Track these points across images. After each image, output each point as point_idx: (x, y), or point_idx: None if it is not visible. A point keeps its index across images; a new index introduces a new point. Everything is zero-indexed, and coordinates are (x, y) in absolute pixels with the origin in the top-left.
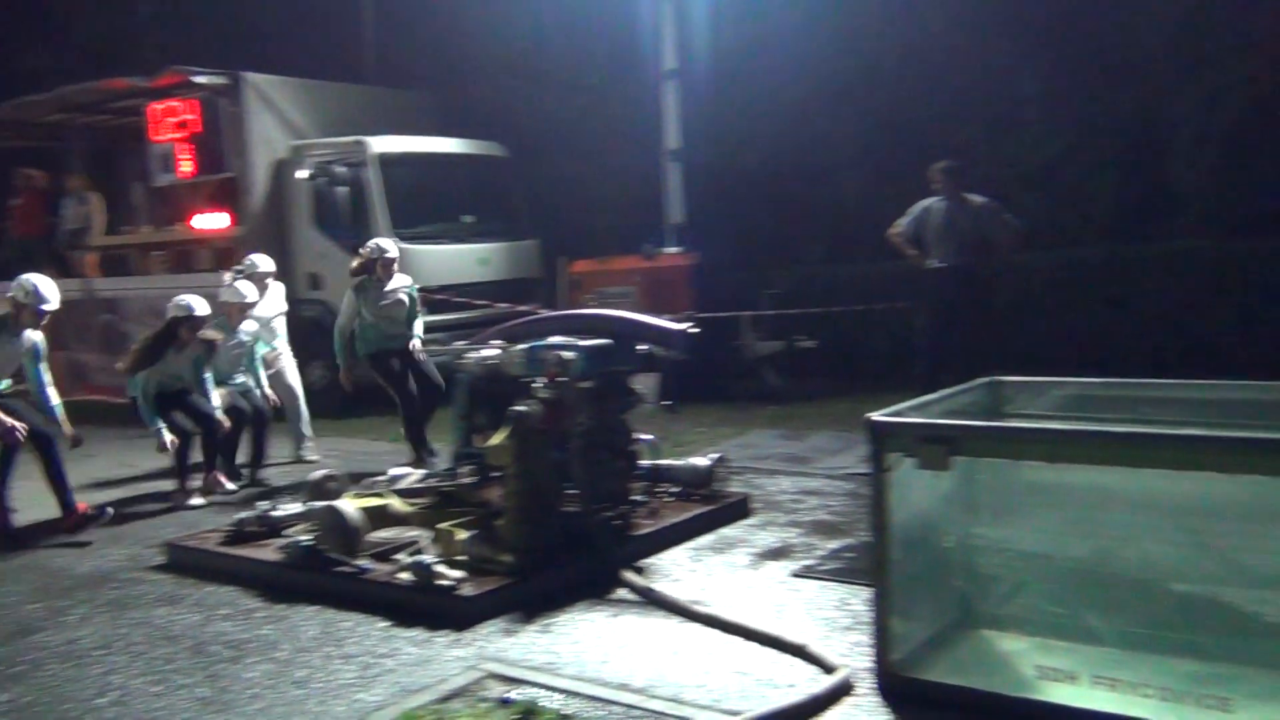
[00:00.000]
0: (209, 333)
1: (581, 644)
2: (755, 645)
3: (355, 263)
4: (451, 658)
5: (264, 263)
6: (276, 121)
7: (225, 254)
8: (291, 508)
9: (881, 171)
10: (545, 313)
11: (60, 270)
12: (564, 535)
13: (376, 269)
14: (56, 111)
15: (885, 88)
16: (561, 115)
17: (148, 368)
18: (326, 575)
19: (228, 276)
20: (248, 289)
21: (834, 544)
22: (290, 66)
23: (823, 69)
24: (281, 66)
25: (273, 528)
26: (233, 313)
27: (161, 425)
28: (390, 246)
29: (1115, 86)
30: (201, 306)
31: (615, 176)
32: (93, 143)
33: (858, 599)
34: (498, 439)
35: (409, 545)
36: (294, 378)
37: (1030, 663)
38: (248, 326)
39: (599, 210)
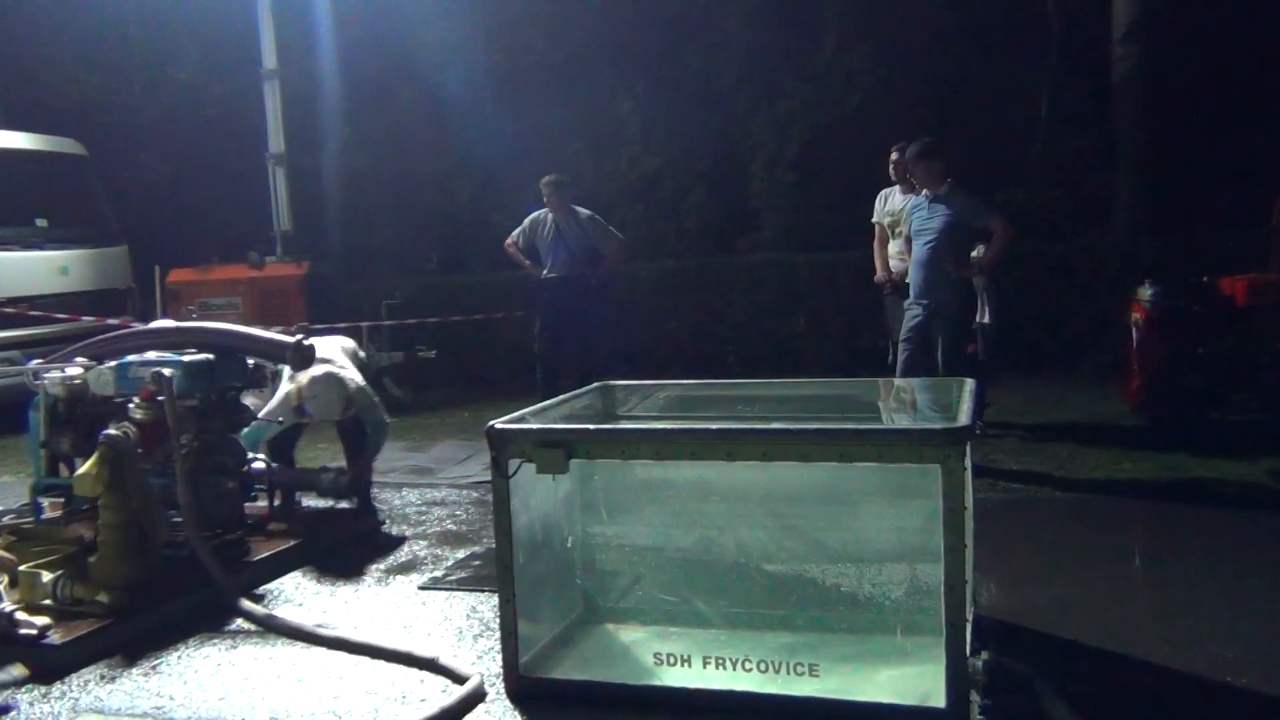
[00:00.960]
0: None
1: (194, 683)
2: (385, 663)
3: None
4: (38, 716)
5: None
6: None
7: None
8: None
9: (492, 181)
10: (137, 326)
11: None
12: (170, 567)
13: None
14: None
15: (492, 99)
16: (149, 112)
17: None
18: None
19: None
20: None
21: (461, 553)
22: None
23: (433, 76)
24: None
25: None
26: None
27: None
28: None
29: (702, 110)
30: None
31: (216, 179)
32: None
33: (486, 606)
34: (86, 467)
35: None
36: None
37: (649, 651)
38: None
39: (199, 216)
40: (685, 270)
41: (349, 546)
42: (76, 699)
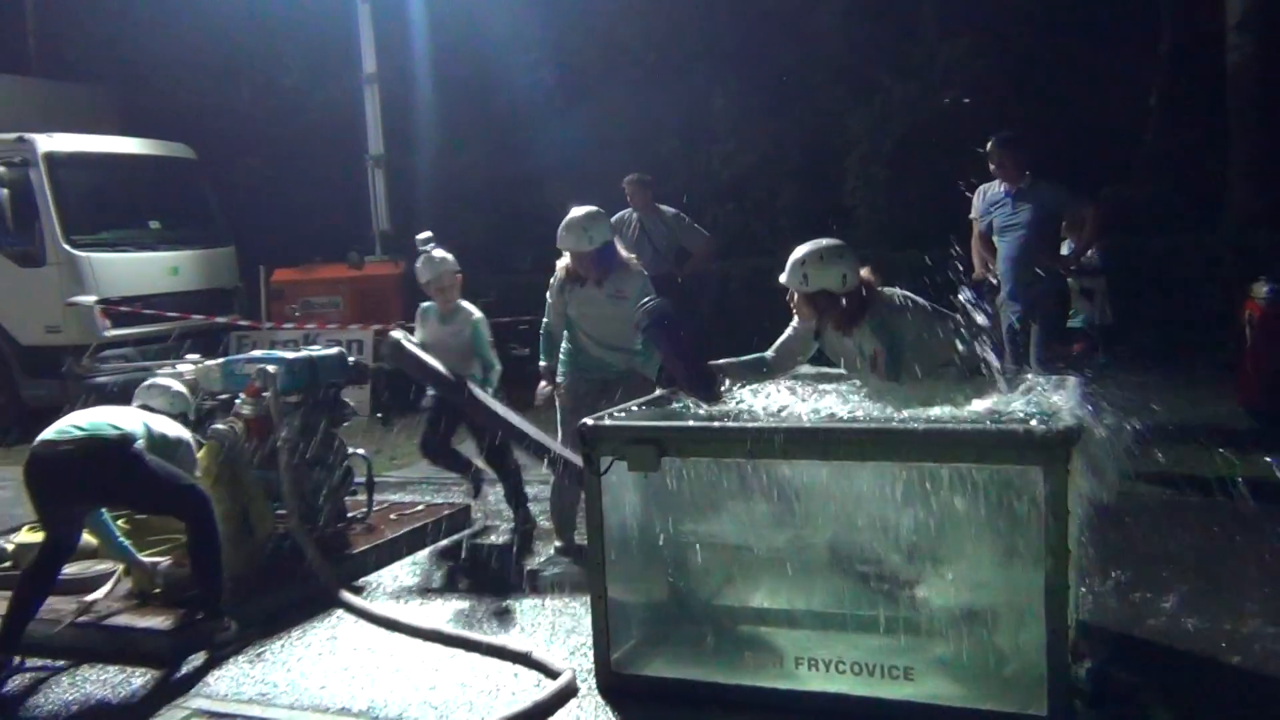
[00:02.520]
0: None
1: (296, 671)
2: (479, 656)
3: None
4: (153, 697)
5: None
6: None
7: None
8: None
9: (585, 181)
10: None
11: None
12: (274, 557)
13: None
14: None
15: (589, 98)
16: (257, 116)
17: None
18: None
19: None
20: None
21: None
22: None
23: (529, 77)
24: None
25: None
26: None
27: None
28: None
29: (796, 106)
30: None
31: (318, 181)
32: None
33: (579, 602)
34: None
35: (103, 578)
36: None
37: (741, 650)
38: None
39: (302, 217)
40: (778, 268)
41: (437, 541)
42: (188, 684)
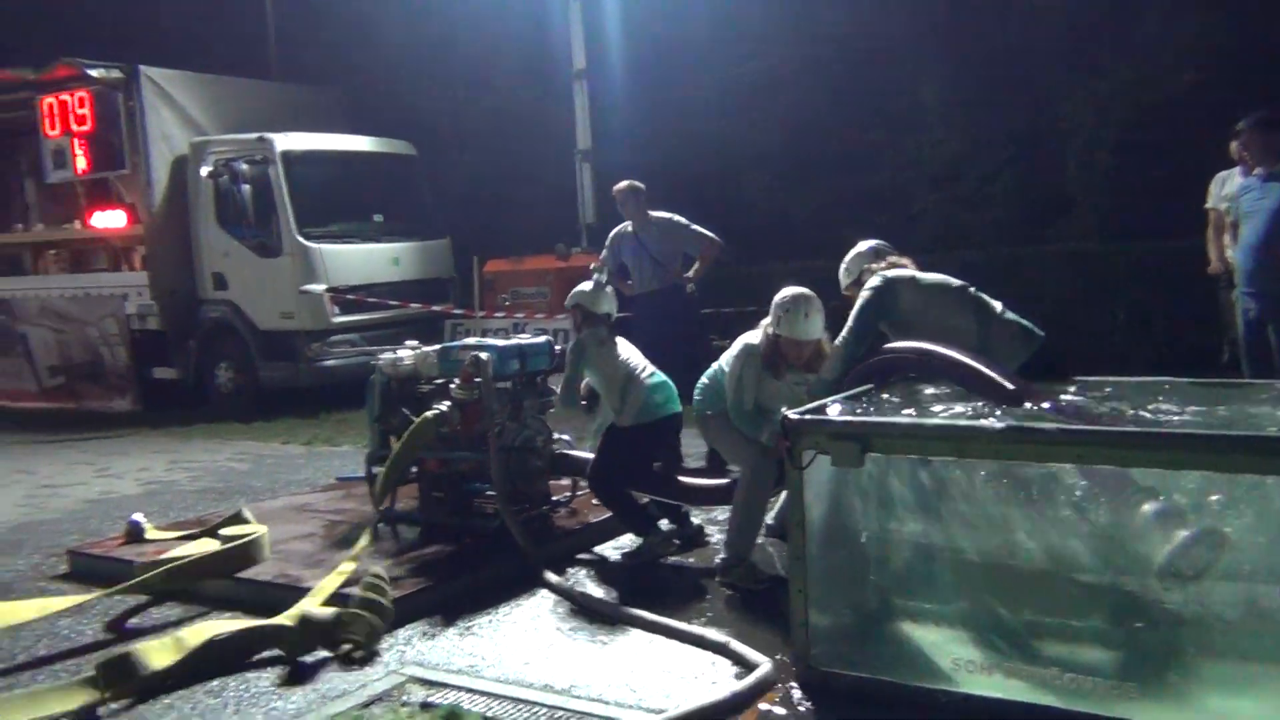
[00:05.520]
0: None
1: (503, 646)
2: (678, 643)
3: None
4: (374, 663)
5: None
6: (176, 117)
7: (122, 253)
8: None
9: (787, 173)
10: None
11: None
12: (483, 537)
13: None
14: None
15: (791, 90)
16: (471, 114)
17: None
18: (241, 582)
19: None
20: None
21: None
22: (191, 61)
23: (731, 70)
24: (182, 61)
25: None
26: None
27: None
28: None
29: (1011, 92)
30: None
31: (527, 176)
32: None
33: (780, 595)
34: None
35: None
36: None
37: (946, 655)
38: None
39: (511, 210)
40: (990, 261)
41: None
42: (403, 651)
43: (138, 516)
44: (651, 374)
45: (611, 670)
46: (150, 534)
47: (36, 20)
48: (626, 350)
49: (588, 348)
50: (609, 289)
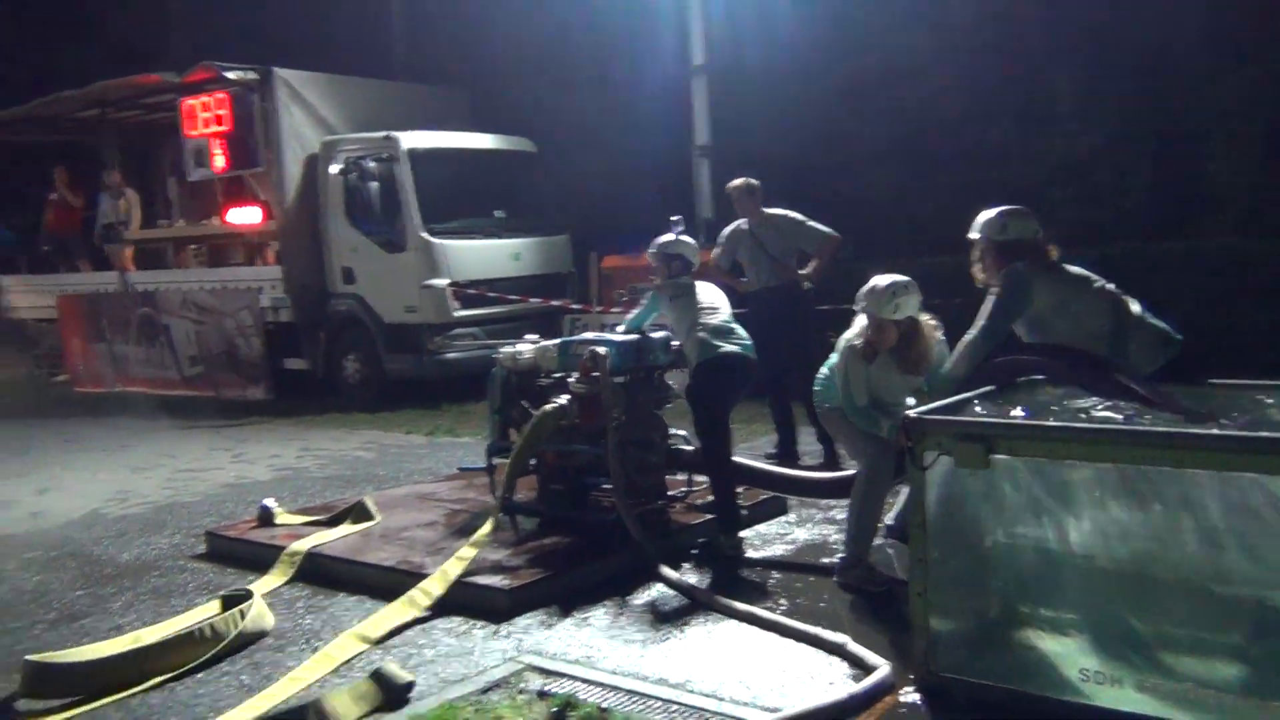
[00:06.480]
0: None
1: (618, 638)
2: (794, 642)
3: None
4: (490, 650)
5: None
6: (307, 117)
7: (257, 248)
8: None
9: (911, 167)
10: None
11: (96, 264)
12: (599, 530)
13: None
14: (90, 107)
15: (915, 82)
16: (589, 110)
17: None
18: (367, 567)
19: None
20: None
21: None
22: (320, 62)
23: (851, 64)
24: (311, 62)
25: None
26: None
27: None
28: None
29: (1149, 82)
30: None
31: (644, 172)
32: (126, 138)
33: (898, 597)
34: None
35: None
36: None
37: (1074, 666)
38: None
39: (629, 206)
40: (1127, 257)
41: (754, 525)
42: (520, 639)
43: (269, 501)
44: (714, 313)
45: (726, 666)
46: (280, 518)
47: (177, 26)
48: (706, 296)
49: (664, 292)
50: (688, 237)
